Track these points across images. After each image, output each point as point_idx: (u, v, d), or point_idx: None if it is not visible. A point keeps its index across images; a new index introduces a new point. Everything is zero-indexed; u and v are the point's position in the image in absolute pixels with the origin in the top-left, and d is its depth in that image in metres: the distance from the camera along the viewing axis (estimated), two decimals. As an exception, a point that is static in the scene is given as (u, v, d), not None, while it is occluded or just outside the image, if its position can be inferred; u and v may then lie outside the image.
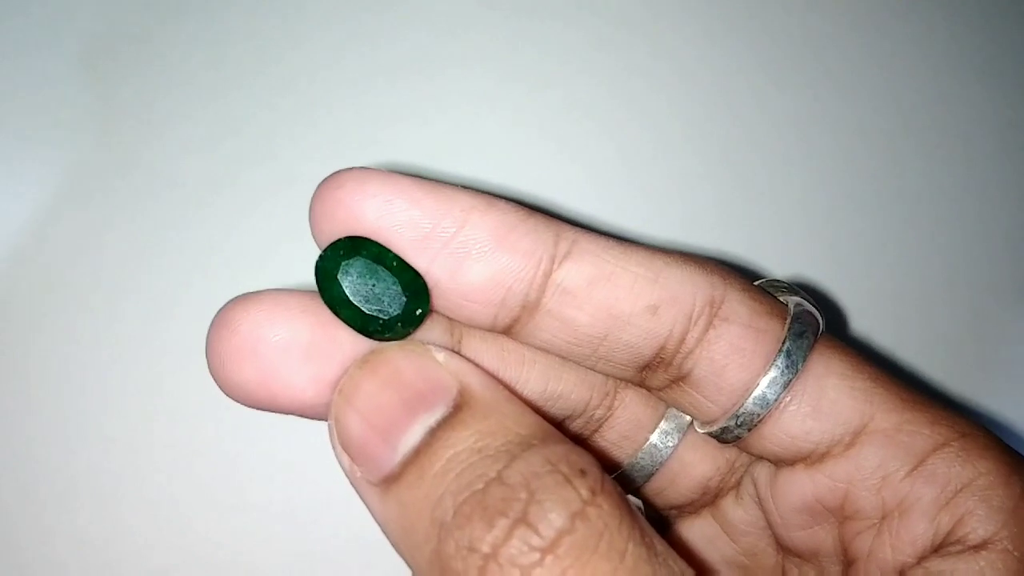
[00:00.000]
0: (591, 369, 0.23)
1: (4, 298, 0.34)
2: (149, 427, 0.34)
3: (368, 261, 0.20)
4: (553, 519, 0.16)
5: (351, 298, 0.20)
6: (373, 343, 0.21)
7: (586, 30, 0.39)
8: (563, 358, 0.23)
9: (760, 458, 0.24)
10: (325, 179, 0.21)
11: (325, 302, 0.20)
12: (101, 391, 0.34)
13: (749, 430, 0.22)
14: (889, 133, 0.40)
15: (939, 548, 0.21)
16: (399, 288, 0.20)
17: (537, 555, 0.16)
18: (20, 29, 0.36)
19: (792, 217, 0.39)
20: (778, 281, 0.25)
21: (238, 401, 0.21)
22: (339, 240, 0.20)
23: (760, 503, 0.25)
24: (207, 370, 0.31)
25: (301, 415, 0.21)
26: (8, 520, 0.33)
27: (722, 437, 0.23)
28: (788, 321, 0.22)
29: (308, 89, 0.37)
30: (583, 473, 0.17)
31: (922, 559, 0.21)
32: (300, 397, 0.21)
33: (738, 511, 0.26)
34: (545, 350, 0.23)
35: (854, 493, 0.22)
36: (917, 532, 0.21)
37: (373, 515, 0.19)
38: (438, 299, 0.21)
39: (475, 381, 0.20)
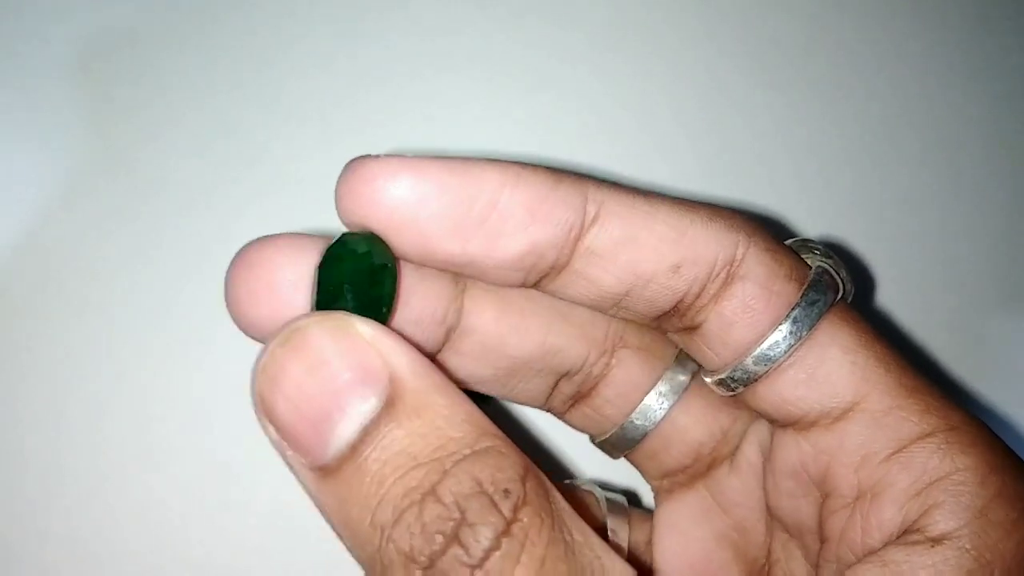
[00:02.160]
0: (610, 316, 0.24)
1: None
2: (145, 428, 0.34)
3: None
4: (481, 540, 0.18)
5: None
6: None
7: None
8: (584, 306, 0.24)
9: (756, 415, 0.24)
10: (350, 168, 0.21)
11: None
12: (97, 392, 0.34)
13: (745, 386, 0.23)
14: (944, 119, 0.39)
15: (901, 536, 0.21)
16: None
17: (468, 570, 0.18)
18: (13, 31, 0.35)
19: (840, 179, 0.38)
20: (812, 242, 0.25)
21: (255, 338, 0.22)
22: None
23: (761, 463, 0.26)
24: (203, 368, 0.32)
25: None
26: (2, 521, 0.33)
27: (720, 388, 0.23)
28: (804, 287, 0.23)
29: (303, 86, 0.36)
30: (507, 493, 0.18)
31: (885, 546, 0.21)
32: None
33: (732, 480, 0.26)
34: (567, 300, 0.23)
35: (834, 469, 0.22)
36: (885, 517, 0.21)
37: (305, 490, 0.20)
38: (471, 270, 0.22)
39: (404, 365, 0.19)
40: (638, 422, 0.27)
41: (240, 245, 0.21)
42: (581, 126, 0.37)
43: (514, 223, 0.21)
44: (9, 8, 0.36)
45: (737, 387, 0.23)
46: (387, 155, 0.20)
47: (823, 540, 0.23)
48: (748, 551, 0.26)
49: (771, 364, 0.22)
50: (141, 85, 0.36)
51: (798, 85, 0.38)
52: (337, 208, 0.21)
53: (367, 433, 0.19)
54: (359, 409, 0.19)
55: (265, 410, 0.19)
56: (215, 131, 0.36)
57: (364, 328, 0.19)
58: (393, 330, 0.20)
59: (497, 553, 0.18)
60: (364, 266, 0.21)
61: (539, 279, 0.23)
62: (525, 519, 0.18)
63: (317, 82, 0.36)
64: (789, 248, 0.24)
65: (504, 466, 0.19)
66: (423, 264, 0.22)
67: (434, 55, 0.37)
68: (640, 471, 0.28)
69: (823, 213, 0.38)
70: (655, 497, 0.28)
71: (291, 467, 0.20)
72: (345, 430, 0.19)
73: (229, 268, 0.22)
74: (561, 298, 0.23)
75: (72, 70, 0.36)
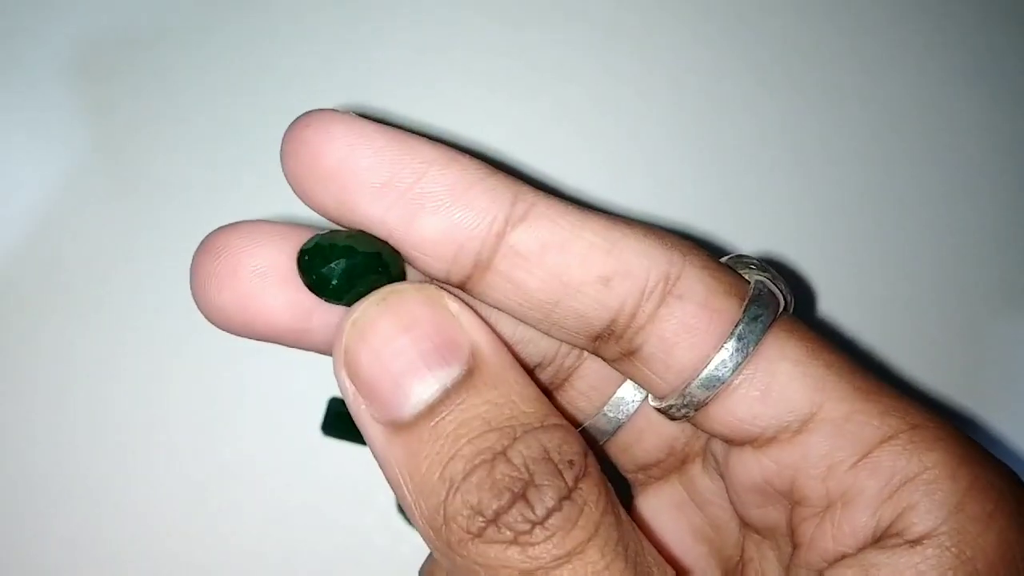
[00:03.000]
0: (546, 334, 0.23)
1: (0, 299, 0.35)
2: (147, 428, 0.34)
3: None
4: (546, 500, 0.19)
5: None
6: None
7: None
8: (518, 319, 0.23)
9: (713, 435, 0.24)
10: (295, 119, 0.21)
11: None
12: (98, 393, 0.34)
13: (696, 410, 0.22)
14: (876, 126, 0.39)
15: (879, 540, 0.21)
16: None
17: (529, 525, 0.19)
18: (13, 32, 0.36)
19: (772, 196, 0.38)
20: (747, 257, 0.24)
21: (219, 326, 0.22)
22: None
23: (720, 476, 0.25)
24: (206, 368, 0.31)
25: (278, 341, 0.23)
26: (3, 522, 0.34)
27: (670, 414, 0.23)
28: (745, 302, 0.22)
29: (303, 86, 0.37)
30: (571, 464, 0.20)
31: (861, 550, 0.21)
32: (277, 321, 0.22)
33: (704, 479, 0.26)
34: (499, 309, 0.23)
35: (800, 481, 0.22)
36: (858, 523, 0.21)
37: (371, 446, 0.21)
38: (395, 246, 0.22)
39: (485, 342, 0.21)
40: (610, 415, 0.26)
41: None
42: (548, 134, 0.38)
43: (435, 201, 0.21)
44: (8, 9, 0.36)
45: (687, 412, 0.22)
46: (332, 110, 0.21)
47: (794, 546, 0.23)
48: (723, 548, 0.26)
49: (720, 385, 0.22)
50: (140, 86, 0.36)
51: (730, 96, 0.39)
52: (280, 155, 0.22)
53: (447, 395, 0.20)
54: (440, 373, 0.20)
55: (348, 362, 0.20)
56: (215, 132, 0.36)
57: (452, 303, 0.21)
58: (473, 310, 0.21)
59: (558, 513, 0.19)
60: (372, 253, 0.21)
61: (464, 278, 0.22)
62: (584, 488, 0.20)
63: (316, 82, 0.37)
64: (726, 265, 0.23)
65: (570, 441, 0.20)
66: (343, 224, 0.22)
67: (434, 55, 0.37)
68: (615, 463, 0.28)
69: (756, 228, 0.38)
70: (632, 488, 0.28)
71: (360, 421, 0.21)
72: (425, 390, 0.20)
73: (194, 255, 0.22)
74: (490, 305, 0.23)
75: (71, 71, 0.36)
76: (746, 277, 0.23)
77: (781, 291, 0.23)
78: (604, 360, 0.24)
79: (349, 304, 0.21)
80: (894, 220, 0.38)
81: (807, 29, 0.39)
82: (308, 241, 0.21)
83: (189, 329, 0.35)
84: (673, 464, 0.26)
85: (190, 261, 0.35)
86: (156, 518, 0.34)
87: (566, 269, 0.21)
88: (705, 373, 0.22)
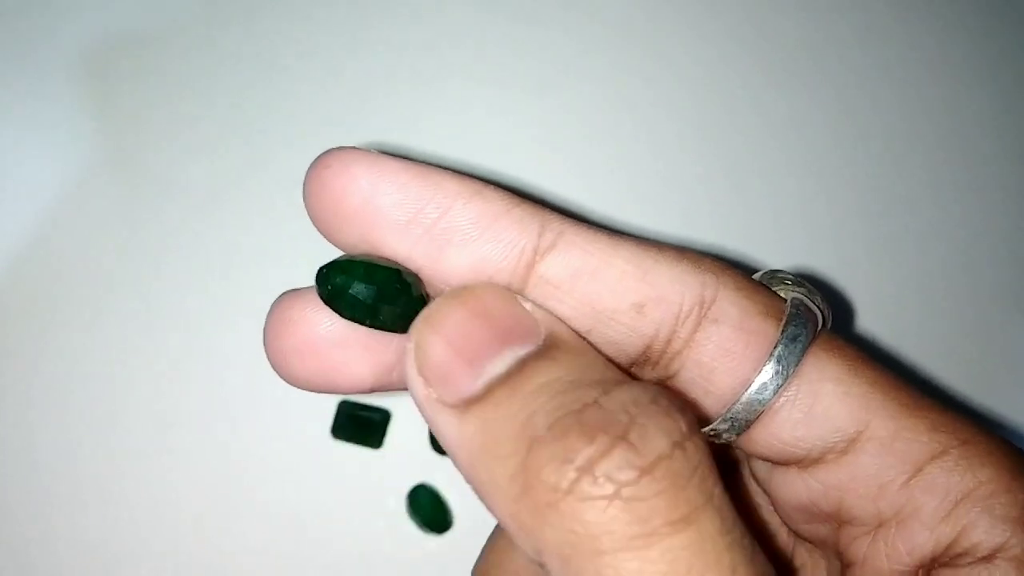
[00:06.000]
0: None
1: (5, 302, 0.35)
2: (154, 431, 0.34)
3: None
4: (655, 443, 0.16)
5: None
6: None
7: (583, 16, 0.38)
8: None
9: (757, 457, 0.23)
10: (315, 159, 0.21)
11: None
12: (102, 396, 0.34)
13: (738, 434, 0.22)
14: (899, 134, 0.39)
15: (945, 559, 0.20)
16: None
17: (635, 473, 0.16)
18: (21, 34, 0.36)
19: (803, 212, 0.38)
20: (782, 272, 0.24)
21: (300, 388, 0.22)
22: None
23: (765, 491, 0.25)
24: (211, 369, 0.30)
25: (360, 392, 0.23)
26: (10, 524, 0.34)
27: (713, 439, 0.22)
28: (782, 323, 0.22)
29: (309, 89, 0.36)
30: (682, 411, 0.17)
31: (923, 568, 0.21)
32: (360, 383, 0.22)
33: (750, 484, 0.26)
34: None
35: (849, 501, 0.21)
36: (916, 542, 0.21)
37: (442, 438, 0.19)
38: (424, 280, 0.21)
39: (562, 330, 0.20)
40: None
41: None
42: (569, 153, 0.38)
43: (462, 235, 0.20)
44: (17, 11, 0.36)
45: (730, 436, 0.22)
46: (355, 148, 0.21)
47: (846, 564, 0.22)
48: (773, 554, 0.25)
49: (761, 408, 0.21)
50: (148, 87, 0.36)
51: (758, 110, 0.38)
52: (303, 195, 0.21)
53: (523, 364, 0.18)
54: (516, 348, 0.19)
55: (417, 355, 0.19)
56: (222, 133, 0.36)
57: (525, 301, 0.20)
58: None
59: (668, 463, 0.16)
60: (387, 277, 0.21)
61: None
62: (700, 444, 0.17)
63: (323, 85, 0.37)
64: (761, 284, 0.23)
65: (671, 396, 0.18)
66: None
67: (438, 61, 0.37)
68: None
69: (787, 244, 0.37)
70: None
71: (429, 414, 0.19)
72: (500, 363, 0.18)
73: (266, 326, 0.22)
74: None
75: (80, 73, 0.36)
76: (781, 294, 0.23)
77: (818, 307, 0.23)
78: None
79: (374, 326, 0.20)
80: (929, 230, 0.38)
81: (851, 40, 0.39)
82: (328, 264, 0.21)
83: (197, 332, 0.35)
84: (725, 468, 0.26)
85: (199, 260, 0.35)
86: (165, 520, 0.34)
87: (598, 298, 0.21)
88: (746, 397, 0.21)
